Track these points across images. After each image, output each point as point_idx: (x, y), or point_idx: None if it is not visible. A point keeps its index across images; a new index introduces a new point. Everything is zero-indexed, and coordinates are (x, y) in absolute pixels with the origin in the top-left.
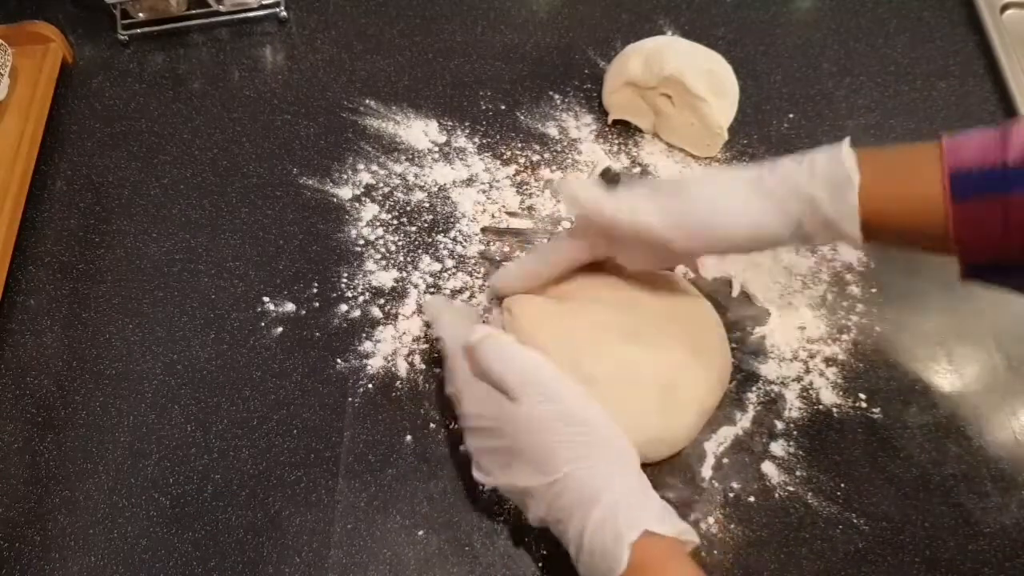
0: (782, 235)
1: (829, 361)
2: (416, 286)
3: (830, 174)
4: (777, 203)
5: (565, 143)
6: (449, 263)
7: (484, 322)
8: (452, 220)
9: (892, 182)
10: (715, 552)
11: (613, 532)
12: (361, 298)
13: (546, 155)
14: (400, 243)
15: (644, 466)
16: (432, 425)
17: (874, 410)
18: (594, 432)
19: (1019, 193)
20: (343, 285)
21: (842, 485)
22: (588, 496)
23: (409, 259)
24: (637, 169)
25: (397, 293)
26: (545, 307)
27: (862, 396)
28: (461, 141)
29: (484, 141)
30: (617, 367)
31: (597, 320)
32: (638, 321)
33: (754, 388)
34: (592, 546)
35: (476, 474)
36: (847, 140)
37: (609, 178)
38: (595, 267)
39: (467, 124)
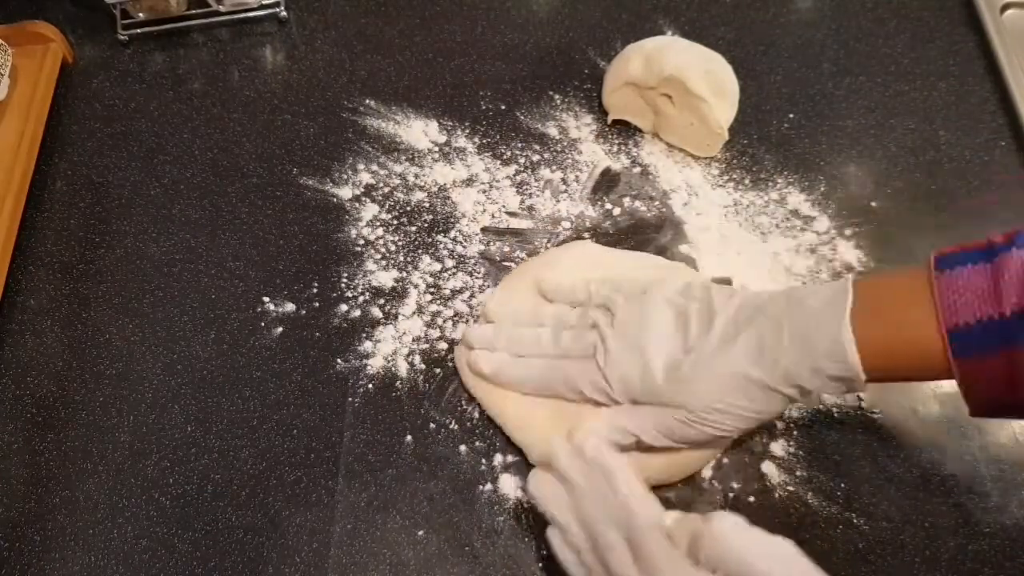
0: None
1: None
2: (416, 286)
3: (831, 354)
4: (779, 398)
5: (565, 143)
6: (449, 263)
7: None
8: (452, 220)
9: (891, 340)
10: None
11: None
12: (361, 298)
13: (546, 155)
14: (400, 243)
15: (656, 488)
16: (432, 425)
17: (874, 410)
18: None
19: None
20: (343, 285)
21: (842, 485)
22: None
23: (409, 259)
24: (637, 169)
25: (397, 293)
26: None
27: (862, 396)
28: (461, 141)
29: (484, 141)
30: None
31: None
32: None
33: None
34: None
35: None
36: (847, 321)
37: (609, 178)
38: None
39: (467, 124)
